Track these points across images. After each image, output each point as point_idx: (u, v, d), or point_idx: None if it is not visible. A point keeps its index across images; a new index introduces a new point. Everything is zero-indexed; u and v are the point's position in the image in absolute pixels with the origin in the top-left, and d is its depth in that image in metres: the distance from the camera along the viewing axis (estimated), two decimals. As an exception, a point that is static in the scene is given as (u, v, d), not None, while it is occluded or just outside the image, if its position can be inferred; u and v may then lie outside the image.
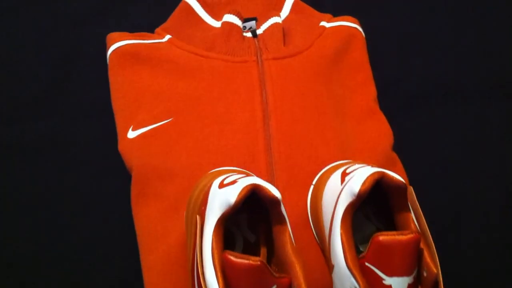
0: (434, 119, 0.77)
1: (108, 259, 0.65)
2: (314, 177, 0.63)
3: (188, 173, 0.64)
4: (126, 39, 0.72)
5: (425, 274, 0.51)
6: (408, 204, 0.54)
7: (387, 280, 0.50)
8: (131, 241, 0.63)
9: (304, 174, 0.64)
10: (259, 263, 0.48)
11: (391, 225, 0.57)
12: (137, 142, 0.67)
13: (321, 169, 0.64)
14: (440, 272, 0.51)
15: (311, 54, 0.73)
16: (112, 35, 0.74)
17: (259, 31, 0.75)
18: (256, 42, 0.73)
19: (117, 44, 0.72)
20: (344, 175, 0.56)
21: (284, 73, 0.70)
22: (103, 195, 0.69)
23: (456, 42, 0.83)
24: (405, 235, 0.50)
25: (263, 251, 0.57)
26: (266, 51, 0.72)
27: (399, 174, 0.65)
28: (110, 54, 0.72)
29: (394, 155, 0.69)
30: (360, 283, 0.50)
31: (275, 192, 0.51)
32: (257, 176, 0.63)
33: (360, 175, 0.53)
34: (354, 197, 0.52)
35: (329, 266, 0.56)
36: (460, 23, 0.84)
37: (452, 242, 0.70)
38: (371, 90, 0.74)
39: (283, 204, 0.54)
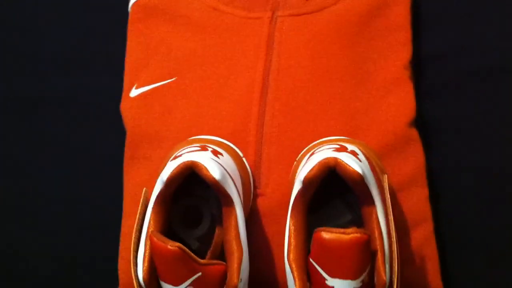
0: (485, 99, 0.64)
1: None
2: (302, 153, 0.57)
3: (177, 138, 0.60)
4: None
5: (375, 281, 0.44)
6: (371, 195, 0.46)
7: (330, 281, 0.44)
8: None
9: (295, 149, 0.57)
10: (176, 248, 0.44)
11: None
12: (137, 101, 0.64)
13: (311, 145, 0.57)
14: (395, 280, 0.43)
15: (338, 9, 0.63)
16: None
17: None
18: None
19: None
20: (310, 157, 0.49)
21: (296, 33, 0.62)
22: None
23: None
24: (348, 234, 0.42)
25: (219, 232, 0.52)
26: (284, 6, 0.64)
27: (413, 155, 0.58)
28: (132, 6, 0.69)
29: (413, 132, 0.59)
30: (296, 280, 0.44)
31: (214, 172, 0.46)
32: (245, 149, 0.58)
33: (312, 160, 0.46)
34: (301, 185, 0.45)
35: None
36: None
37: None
38: (406, 54, 0.62)
39: (268, 182, 0.54)
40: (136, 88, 0.65)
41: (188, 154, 0.48)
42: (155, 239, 0.45)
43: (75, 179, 0.67)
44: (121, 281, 0.58)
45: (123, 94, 0.66)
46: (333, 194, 0.52)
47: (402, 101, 0.60)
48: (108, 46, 0.71)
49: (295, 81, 0.60)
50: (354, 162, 0.44)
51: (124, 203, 0.61)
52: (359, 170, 0.44)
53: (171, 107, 0.63)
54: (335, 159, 0.45)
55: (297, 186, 0.46)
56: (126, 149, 0.63)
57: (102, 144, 0.68)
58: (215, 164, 0.47)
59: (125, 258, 0.58)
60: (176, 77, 0.64)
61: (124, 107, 0.65)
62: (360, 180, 0.44)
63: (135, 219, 0.58)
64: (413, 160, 0.58)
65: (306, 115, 0.59)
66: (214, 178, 0.46)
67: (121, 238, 0.60)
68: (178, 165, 0.47)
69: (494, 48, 0.64)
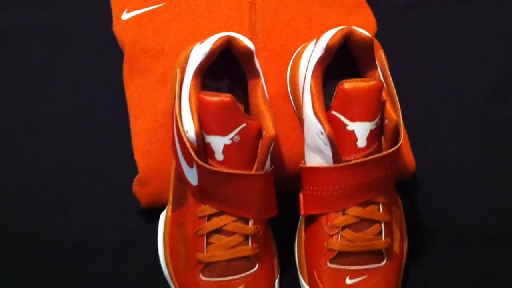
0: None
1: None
2: (294, 54, 0.67)
3: (176, 51, 0.68)
4: None
5: (386, 122, 0.55)
6: (375, 60, 0.57)
7: (350, 126, 0.54)
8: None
9: (286, 53, 0.68)
10: (228, 99, 0.51)
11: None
12: (130, 23, 0.71)
13: (301, 47, 0.67)
14: (401, 119, 0.54)
15: None
16: None
17: None
18: None
19: None
20: (317, 40, 0.59)
21: None
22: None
23: None
24: (367, 81, 0.53)
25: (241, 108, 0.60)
26: None
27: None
28: None
29: (378, 43, 0.72)
30: (325, 127, 0.53)
31: (248, 43, 0.55)
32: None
33: (329, 32, 0.56)
34: (323, 51, 0.56)
35: (302, 124, 0.59)
36: None
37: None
38: None
39: (267, 77, 0.62)
40: (127, 12, 0.72)
41: (221, 33, 0.56)
42: (205, 96, 0.52)
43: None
44: (139, 166, 0.63)
45: (114, 18, 0.72)
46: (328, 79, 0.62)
47: (365, 19, 0.73)
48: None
49: (278, 3, 0.71)
50: (364, 31, 0.56)
51: (129, 109, 0.67)
52: (369, 35, 0.55)
53: (165, 26, 0.70)
54: (350, 28, 0.55)
55: (316, 55, 0.56)
56: (125, 64, 0.69)
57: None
58: (247, 38, 0.56)
59: (140, 149, 0.64)
60: (165, 3, 0.71)
61: (117, 28, 0.71)
62: (371, 43, 0.56)
63: (143, 118, 0.65)
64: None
65: (290, 28, 0.70)
66: (250, 48, 0.55)
67: (133, 136, 0.65)
68: (218, 39, 0.55)
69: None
